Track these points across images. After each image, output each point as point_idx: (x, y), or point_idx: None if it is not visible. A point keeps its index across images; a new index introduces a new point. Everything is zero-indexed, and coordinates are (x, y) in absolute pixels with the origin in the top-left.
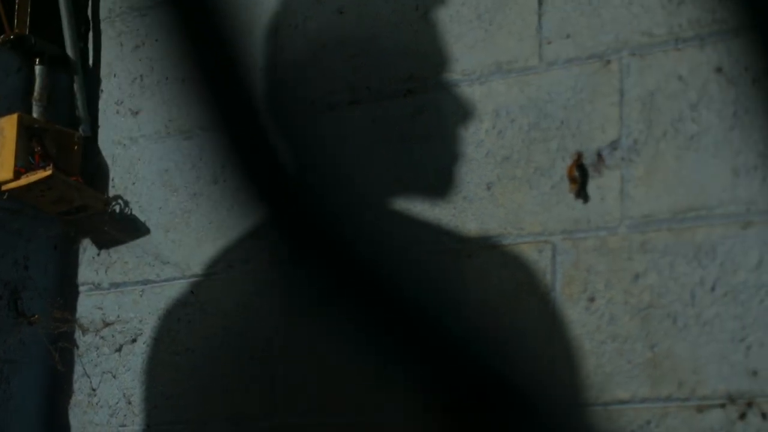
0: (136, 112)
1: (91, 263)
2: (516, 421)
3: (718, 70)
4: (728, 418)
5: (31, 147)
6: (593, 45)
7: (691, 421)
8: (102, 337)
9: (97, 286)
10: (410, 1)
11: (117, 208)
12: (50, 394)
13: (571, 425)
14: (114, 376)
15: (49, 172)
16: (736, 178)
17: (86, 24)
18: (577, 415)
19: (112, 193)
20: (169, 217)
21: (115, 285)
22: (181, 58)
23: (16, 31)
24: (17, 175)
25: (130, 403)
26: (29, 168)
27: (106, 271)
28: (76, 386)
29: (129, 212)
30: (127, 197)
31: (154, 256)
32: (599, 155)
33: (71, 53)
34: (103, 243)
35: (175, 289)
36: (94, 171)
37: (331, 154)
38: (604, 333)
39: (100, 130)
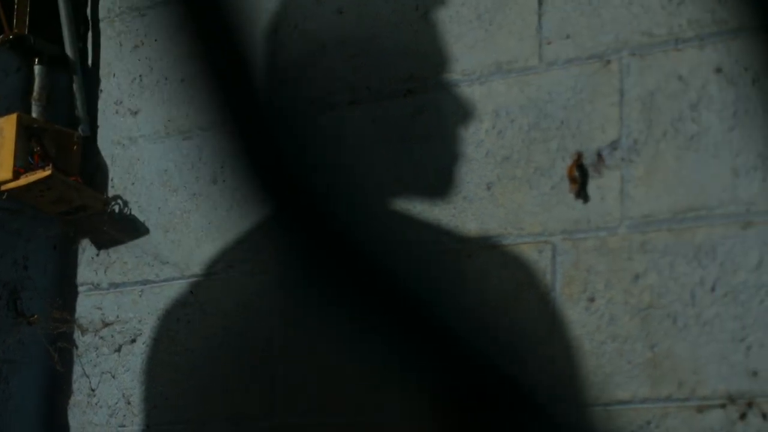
0: (136, 112)
1: (91, 263)
2: (516, 421)
3: (718, 70)
4: (728, 418)
5: (30, 147)
6: (593, 45)
7: (691, 422)
8: (101, 338)
9: (97, 287)
10: (410, 1)
11: (116, 208)
12: (49, 395)
13: (571, 425)
14: (113, 377)
15: (48, 172)
16: (736, 178)
17: (85, 24)
18: (577, 416)
19: (111, 193)
20: (169, 217)
21: (114, 285)
22: (182, 57)
23: (16, 31)
24: (16, 175)
25: (129, 403)
26: (28, 168)
27: (105, 272)
28: (75, 386)
29: (128, 212)
30: (127, 197)
31: (154, 256)
32: (599, 155)
33: (70, 53)
34: (103, 243)
35: (175, 290)
36: (94, 171)
37: (331, 154)
38: (604, 333)
39: (99, 130)
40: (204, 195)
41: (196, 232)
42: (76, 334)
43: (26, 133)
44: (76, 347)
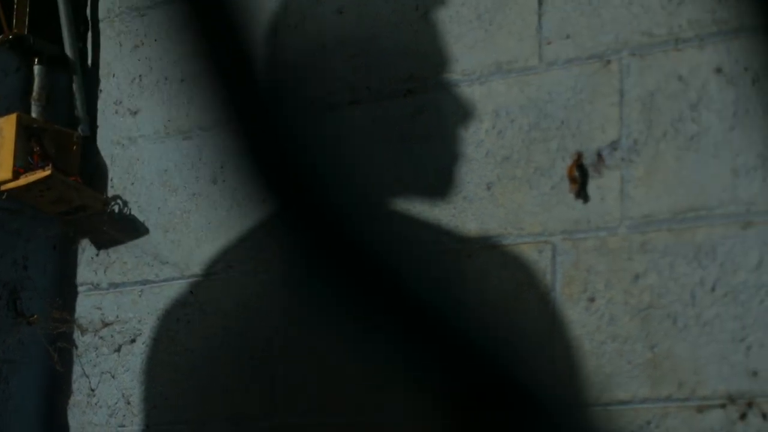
0: (135, 112)
1: (90, 263)
2: (515, 421)
3: (718, 70)
4: (728, 418)
5: (30, 147)
6: (593, 45)
7: (691, 422)
8: (101, 338)
9: (96, 286)
10: (410, 1)
11: (116, 208)
12: (49, 395)
13: (571, 426)
14: (113, 377)
15: (48, 172)
16: (736, 178)
17: (85, 24)
18: (577, 416)
19: (111, 193)
20: (168, 217)
21: (114, 285)
22: (183, 57)
23: (15, 30)
24: (16, 175)
25: (129, 403)
26: (28, 168)
27: (105, 271)
28: (75, 386)
29: (128, 212)
30: (126, 197)
31: (153, 256)
32: (599, 155)
33: (70, 53)
34: (102, 243)
35: (174, 290)
36: (93, 171)
37: (331, 154)
38: (604, 333)
39: (99, 130)
40: (204, 195)
41: (196, 232)
42: (76, 334)
43: (26, 133)
44: (76, 347)
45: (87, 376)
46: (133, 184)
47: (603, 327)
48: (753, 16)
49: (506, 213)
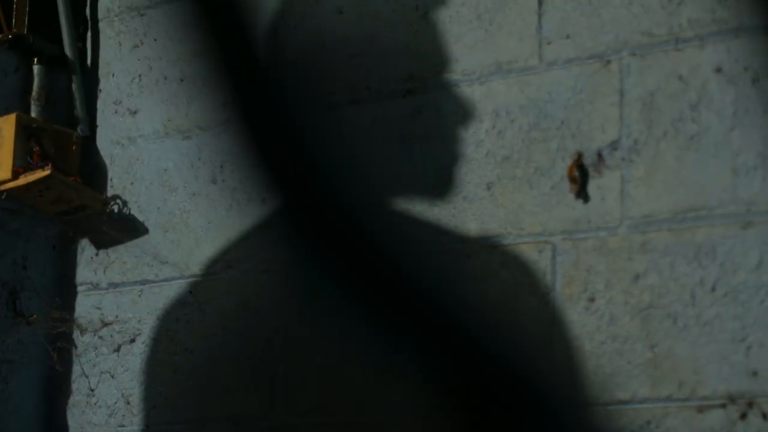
0: (135, 112)
1: (90, 263)
2: (515, 421)
3: (718, 70)
4: (729, 418)
5: (29, 147)
6: (593, 45)
7: (691, 422)
8: (100, 337)
9: (96, 286)
10: (410, 1)
11: (115, 208)
12: (48, 394)
13: (571, 425)
14: (112, 376)
15: (47, 172)
16: (736, 178)
17: (84, 23)
18: (577, 416)
19: (110, 192)
20: (168, 217)
21: (113, 285)
22: (183, 56)
23: (15, 30)
24: (16, 175)
25: (128, 403)
26: (28, 168)
27: (104, 271)
28: (74, 386)
29: (127, 212)
30: (126, 197)
31: (153, 256)
32: (599, 155)
33: (69, 53)
34: (102, 243)
35: (174, 289)
36: (93, 171)
37: (330, 154)
38: (604, 333)
39: (98, 130)
40: (203, 195)
41: (196, 232)
42: (76, 334)
43: (25, 133)
44: (75, 347)
45: (86, 376)
46: (132, 183)
47: (603, 327)
48: (753, 16)
49: (506, 213)
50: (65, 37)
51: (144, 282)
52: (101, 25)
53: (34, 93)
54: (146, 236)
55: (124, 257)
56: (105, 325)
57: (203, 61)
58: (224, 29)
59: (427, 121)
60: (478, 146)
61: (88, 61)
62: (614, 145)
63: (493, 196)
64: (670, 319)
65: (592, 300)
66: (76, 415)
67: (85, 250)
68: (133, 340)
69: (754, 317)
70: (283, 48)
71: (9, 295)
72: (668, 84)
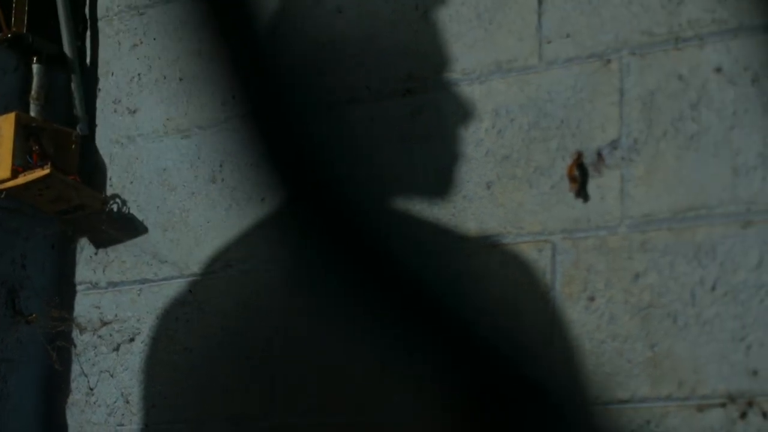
0: (134, 111)
1: (89, 262)
2: (515, 421)
3: (718, 69)
4: (728, 417)
5: (28, 146)
6: (593, 44)
7: (691, 421)
8: (100, 336)
9: (95, 285)
10: (410, 1)
11: (115, 207)
12: (48, 394)
13: (571, 424)
14: (112, 376)
15: (46, 171)
16: (735, 177)
17: (84, 23)
18: (577, 415)
19: (109, 192)
20: (167, 216)
21: (112, 284)
22: (183, 55)
23: (14, 29)
24: (15, 174)
25: (128, 402)
26: (27, 167)
27: (103, 270)
28: (73, 385)
29: (127, 211)
30: (125, 196)
31: (152, 255)
32: (599, 155)
33: (69, 52)
34: (101, 242)
35: (173, 289)
36: (92, 170)
37: (330, 153)
38: (604, 332)
39: (97, 129)
40: (203, 194)
41: (195, 231)
42: (75, 333)
43: (25, 132)
44: (75, 346)
45: (86, 375)
46: (131, 182)
47: (603, 326)
48: (753, 16)
49: (506, 212)
50: (64, 36)
51: (143, 281)
52: (100, 24)
53: (33, 92)
54: (145, 235)
55: (123, 256)
56: (104, 324)
57: (202, 60)
58: (224, 29)
59: (427, 121)
60: (478, 145)
61: (88, 60)
62: (614, 145)
63: (493, 196)
64: (670, 319)
65: (591, 299)
66: (75, 414)
67: (85, 249)
68: (132, 340)
69: (754, 316)
70: (283, 48)
71: (8, 294)
72: (668, 83)
